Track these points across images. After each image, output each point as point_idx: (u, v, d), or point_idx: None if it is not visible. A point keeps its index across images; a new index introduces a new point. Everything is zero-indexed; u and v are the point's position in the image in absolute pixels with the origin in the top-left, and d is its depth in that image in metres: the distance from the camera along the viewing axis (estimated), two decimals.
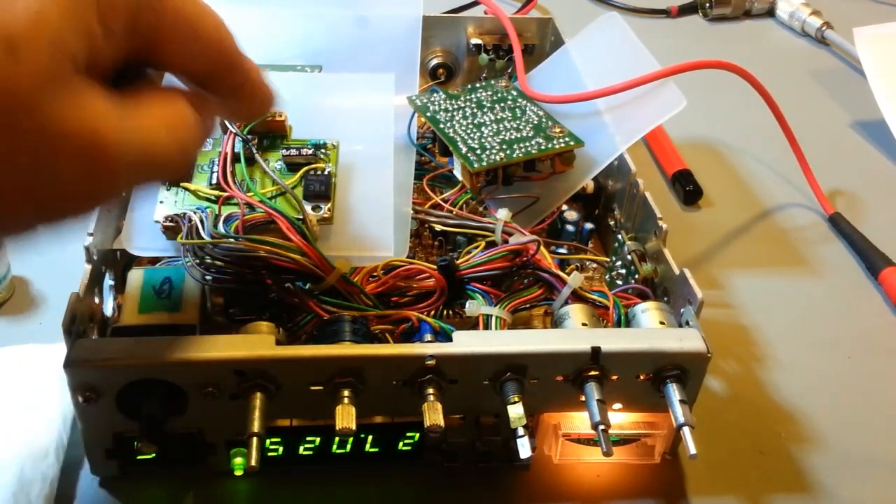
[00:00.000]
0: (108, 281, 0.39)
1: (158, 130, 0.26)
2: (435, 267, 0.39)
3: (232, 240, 0.36)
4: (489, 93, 0.50)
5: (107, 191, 0.25)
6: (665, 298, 0.40)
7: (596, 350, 0.34)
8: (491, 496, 0.37)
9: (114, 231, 0.40)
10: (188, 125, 0.27)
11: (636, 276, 0.42)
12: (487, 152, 0.44)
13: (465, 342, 0.34)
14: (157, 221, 0.38)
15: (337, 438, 0.36)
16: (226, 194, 0.38)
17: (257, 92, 0.30)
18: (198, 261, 0.36)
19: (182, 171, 0.29)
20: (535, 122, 0.47)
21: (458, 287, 0.39)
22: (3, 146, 0.22)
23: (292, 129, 0.42)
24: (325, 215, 0.39)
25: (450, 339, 0.34)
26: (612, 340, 0.34)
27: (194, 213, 0.37)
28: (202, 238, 0.36)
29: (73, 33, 0.23)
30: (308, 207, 0.38)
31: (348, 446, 0.36)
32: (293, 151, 0.40)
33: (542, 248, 0.40)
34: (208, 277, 0.36)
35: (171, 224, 0.37)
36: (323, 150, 0.41)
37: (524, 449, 0.33)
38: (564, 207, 0.47)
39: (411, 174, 0.45)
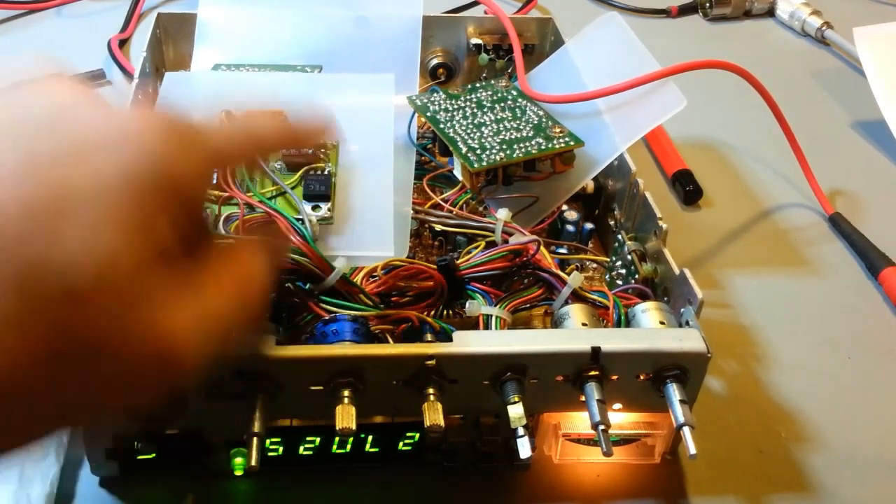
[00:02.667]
0: None
1: (229, 307, 0.26)
2: (435, 267, 0.39)
3: (231, 240, 0.36)
4: (489, 93, 0.50)
5: (177, 383, 0.25)
6: (665, 298, 0.40)
7: (596, 350, 0.34)
8: (491, 496, 0.37)
9: None
10: (255, 286, 0.27)
11: (636, 276, 0.42)
12: (487, 152, 0.44)
13: (465, 342, 0.34)
14: None
15: (337, 438, 0.36)
16: (226, 194, 0.38)
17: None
18: None
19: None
20: (535, 122, 0.47)
21: (458, 287, 0.39)
22: (72, 391, 0.22)
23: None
24: (326, 215, 0.39)
25: (450, 339, 0.34)
26: (612, 340, 0.34)
27: None
28: None
29: (142, 259, 0.23)
30: (308, 207, 0.38)
31: (348, 446, 0.36)
32: (293, 151, 0.40)
33: (542, 248, 0.40)
34: None
35: None
36: (323, 150, 0.41)
37: (524, 449, 0.33)
38: (564, 207, 0.47)
39: (411, 174, 0.45)
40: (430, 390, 0.33)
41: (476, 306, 0.37)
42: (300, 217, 0.37)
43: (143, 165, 0.24)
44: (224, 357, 0.27)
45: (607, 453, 0.33)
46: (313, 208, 0.39)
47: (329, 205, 0.39)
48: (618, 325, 0.38)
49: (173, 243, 0.25)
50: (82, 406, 0.23)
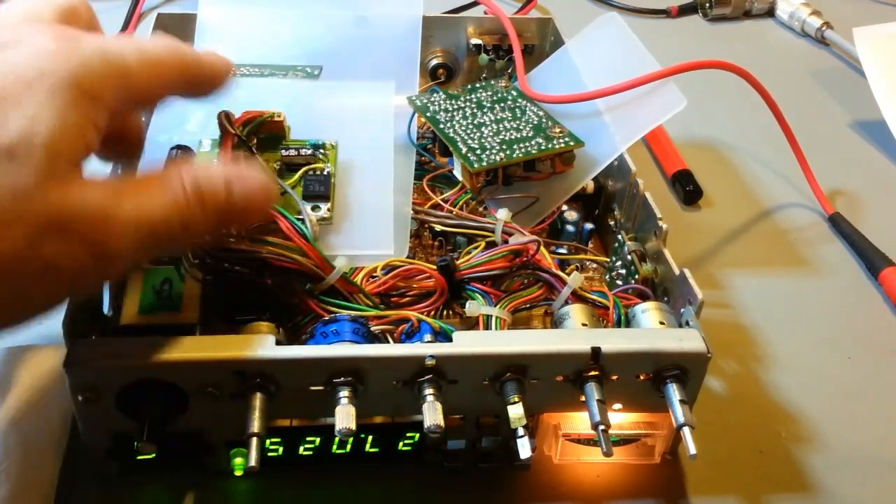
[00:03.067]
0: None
1: (158, 205, 0.29)
2: (435, 267, 0.39)
3: (232, 240, 0.36)
4: (489, 93, 0.50)
5: (114, 268, 0.28)
6: (665, 298, 0.40)
7: (596, 350, 0.34)
8: (491, 496, 0.37)
9: None
10: (187, 199, 0.29)
11: (636, 277, 0.42)
12: (487, 152, 0.44)
13: (465, 342, 0.34)
14: None
15: (337, 438, 0.36)
16: None
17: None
18: (198, 261, 0.36)
19: (188, 243, 0.32)
20: (535, 123, 0.47)
21: (458, 287, 0.39)
22: (20, 237, 0.25)
23: (290, 129, 0.42)
24: (325, 215, 0.39)
25: (450, 339, 0.34)
26: (612, 340, 0.34)
27: None
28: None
29: (64, 136, 0.26)
30: (307, 207, 0.38)
31: (348, 446, 0.36)
32: (292, 152, 0.40)
33: (542, 248, 0.40)
34: (208, 277, 0.36)
35: None
36: (322, 151, 0.41)
37: (524, 449, 0.33)
38: (564, 207, 0.47)
39: (411, 174, 0.45)
40: (430, 390, 0.33)
41: (476, 306, 0.37)
42: (301, 217, 0.37)
43: (50, 61, 0.27)
44: (156, 253, 0.31)
45: (607, 453, 0.33)
46: (313, 208, 0.39)
47: (328, 205, 0.39)
48: (618, 325, 0.38)
49: (95, 139, 0.28)
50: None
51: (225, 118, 0.39)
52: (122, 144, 0.35)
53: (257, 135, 0.41)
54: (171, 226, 0.29)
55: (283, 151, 0.40)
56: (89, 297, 0.35)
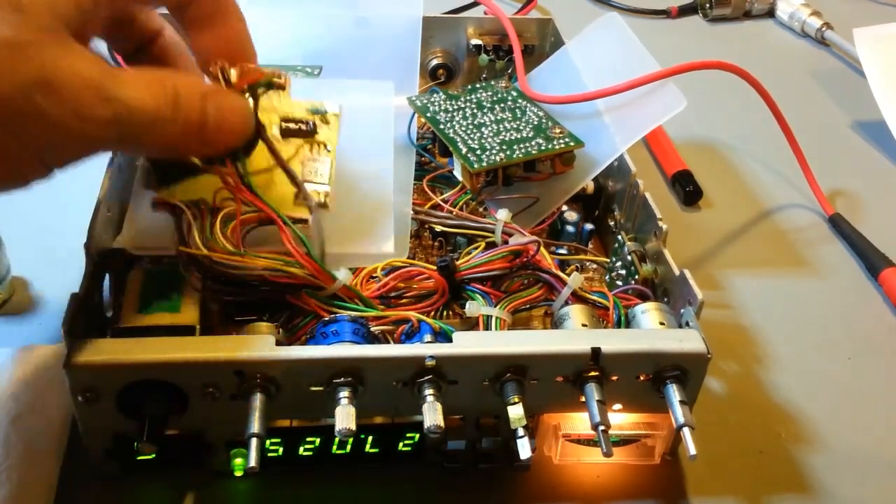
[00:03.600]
0: (108, 281, 0.39)
1: (140, 88, 0.30)
2: (435, 267, 0.39)
3: (234, 256, 0.35)
4: (489, 93, 0.50)
5: (93, 133, 0.29)
6: (665, 299, 0.40)
7: (596, 351, 0.34)
8: (491, 497, 0.37)
9: (114, 231, 0.40)
10: (169, 93, 0.31)
11: (636, 277, 0.42)
12: (487, 153, 0.44)
13: (465, 343, 0.34)
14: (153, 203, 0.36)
15: (337, 439, 0.36)
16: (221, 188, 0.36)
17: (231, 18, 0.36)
18: (196, 270, 0.35)
19: (160, 141, 0.32)
20: (535, 123, 0.47)
21: (458, 287, 0.39)
22: (16, 80, 0.27)
23: (290, 81, 0.39)
24: (323, 200, 0.37)
25: (450, 340, 0.34)
26: (612, 341, 0.34)
27: (188, 209, 0.35)
28: (198, 244, 0.34)
29: (64, 2, 0.29)
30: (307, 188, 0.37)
31: (348, 447, 0.36)
32: (292, 124, 0.38)
33: (542, 248, 0.40)
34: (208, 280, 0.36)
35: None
36: (323, 119, 0.38)
37: (524, 449, 0.33)
38: (564, 208, 0.47)
39: (411, 174, 0.45)
40: (430, 391, 0.33)
41: (476, 307, 0.37)
42: (303, 222, 0.36)
43: None
44: (134, 139, 0.31)
45: (607, 454, 0.33)
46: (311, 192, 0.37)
47: (327, 189, 0.37)
48: (618, 325, 0.38)
49: (96, 20, 0.30)
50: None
51: (221, 73, 0.35)
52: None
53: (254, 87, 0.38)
54: (145, 119, 0.30)
55: (283, 123, 0.38)
56: (89, 293, 0.35)
